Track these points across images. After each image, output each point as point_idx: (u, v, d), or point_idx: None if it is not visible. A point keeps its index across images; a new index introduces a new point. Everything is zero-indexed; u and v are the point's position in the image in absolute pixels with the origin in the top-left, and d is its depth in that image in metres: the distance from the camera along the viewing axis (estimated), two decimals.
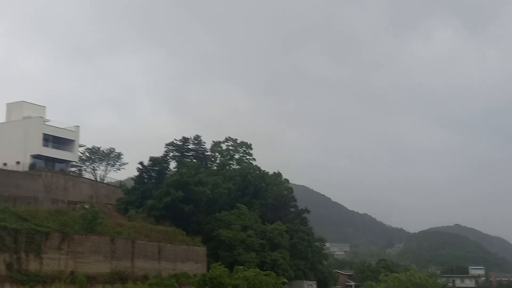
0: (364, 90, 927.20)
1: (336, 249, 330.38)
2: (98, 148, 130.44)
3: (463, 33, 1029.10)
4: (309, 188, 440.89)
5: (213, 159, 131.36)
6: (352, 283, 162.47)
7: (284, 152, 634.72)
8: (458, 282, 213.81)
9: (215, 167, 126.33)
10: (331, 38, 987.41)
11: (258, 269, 43.82)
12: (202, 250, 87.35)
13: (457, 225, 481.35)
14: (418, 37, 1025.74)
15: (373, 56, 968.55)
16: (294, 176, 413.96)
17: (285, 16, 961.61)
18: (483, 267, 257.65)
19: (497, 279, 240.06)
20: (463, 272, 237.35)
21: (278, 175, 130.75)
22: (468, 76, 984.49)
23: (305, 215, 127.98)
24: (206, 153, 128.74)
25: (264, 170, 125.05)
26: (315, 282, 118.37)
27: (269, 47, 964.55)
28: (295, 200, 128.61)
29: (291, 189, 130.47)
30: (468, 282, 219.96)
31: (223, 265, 41.46)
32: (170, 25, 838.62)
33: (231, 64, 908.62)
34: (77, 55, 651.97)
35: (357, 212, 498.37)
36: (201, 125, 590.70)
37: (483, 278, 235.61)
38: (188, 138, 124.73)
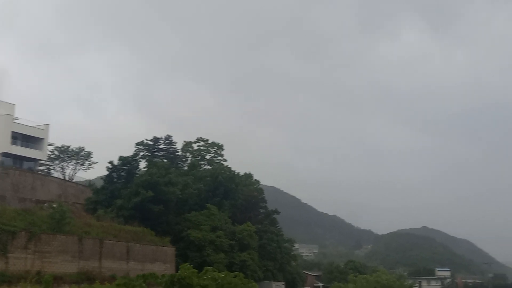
0: (333, 89, 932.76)
1: (305, 250, 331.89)
2: (68, 147, 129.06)
3: (430, 33, 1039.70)
4: (279, 189, 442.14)
5: (184, 159, 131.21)
6: (320, 284, 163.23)
7: (254, 152, 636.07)
8: (424, 284, 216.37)
9: (186, 168, 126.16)
10: (300, 37, 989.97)
11: (227, 270, 43.92)
12: (171, 250, 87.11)
13: (424, 227, 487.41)
14: (386, 37, 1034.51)
15: (342, 56, 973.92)
16: (265, 177, 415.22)
17: (253, 15, 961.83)
18: (449, 269, 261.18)
19: (463, 281, 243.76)
20: (429, 273, 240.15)
21: (248, 176, 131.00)
22: (436, 76, 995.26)
23: (275, 216, 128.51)
24: (177, 153, 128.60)
25: (235, 171, 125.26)
26: (283, 283, 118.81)
27: (237, 46, 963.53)
28: (265, 201, 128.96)
29: (262, 190, 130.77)
30: (434, 284, 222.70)
31: (192, 266, 41.40)
32: (137, 24, 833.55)
33: (199, 63, 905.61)
34: (43, 53, 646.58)
35: (327, 214, 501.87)
36: (169, 124, 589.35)
37: (449, 280, 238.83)
38: (159, 138, 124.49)
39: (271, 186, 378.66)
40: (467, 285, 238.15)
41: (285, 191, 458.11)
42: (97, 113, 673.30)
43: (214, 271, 39.42)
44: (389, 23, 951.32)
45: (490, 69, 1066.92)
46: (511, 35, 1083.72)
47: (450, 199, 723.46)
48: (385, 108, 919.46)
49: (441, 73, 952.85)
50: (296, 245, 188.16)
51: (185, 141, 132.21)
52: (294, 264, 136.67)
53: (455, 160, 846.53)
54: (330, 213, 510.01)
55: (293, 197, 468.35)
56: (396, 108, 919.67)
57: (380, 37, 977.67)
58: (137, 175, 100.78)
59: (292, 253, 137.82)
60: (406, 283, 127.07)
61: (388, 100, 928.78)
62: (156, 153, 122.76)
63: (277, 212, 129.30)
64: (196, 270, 38.92)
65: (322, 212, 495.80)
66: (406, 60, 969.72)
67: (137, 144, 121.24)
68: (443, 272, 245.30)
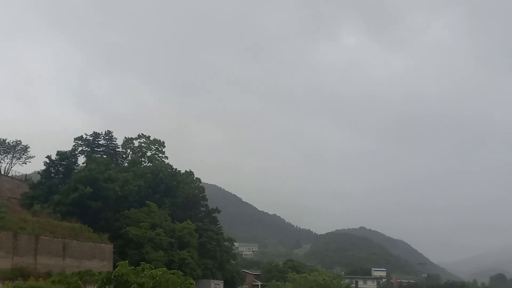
0: (275, 90, 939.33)
1: (245, 249, 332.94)
2: (4, 140, 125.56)
3: (369, 37, 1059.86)
4: (220, 187, 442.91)
5: (124, 156, 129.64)
6: (259, 283, 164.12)
7: (195, 150, 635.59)
8: (361, 283, 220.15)
9: (126, 164, 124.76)
10: (243, 38, 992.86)
11: (165, 268, 43.67)
12: (109, 247, 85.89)
13: (362, 228, 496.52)
14: (327, 40, 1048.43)
15: (283, 56, 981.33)
16: (206, 175, 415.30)
17: (196, 13, 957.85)
18: (385, 269, 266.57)
19: (398, 280, 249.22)
20: (366, 273, 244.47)
21: (190, 173, 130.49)
22: (375, 80, 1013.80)
23: (216, 214, 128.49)
24: (117, 149, 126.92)
25: (176, 169, 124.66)
26: (222, 281, 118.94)
27: (178, 43, 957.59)
28: (206, 200, 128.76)
29: (203, 188, 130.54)
30: (370, 284, 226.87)
31: (131, 264, 41.01)
32: (78, 17, 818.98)
33: (140, 59, 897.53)
34: None
35: (267, 213, 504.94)
36: (109, 120, 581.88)
37: (384, 280, 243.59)
38: (99, 133, 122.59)
39: (213, 185, 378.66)
40: (402, 285, 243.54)
41: (226, 189, 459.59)
42: (34, 107, 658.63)
43: (152, 269, 39.11)
44: (330, 26, 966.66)
45: (426, 75, 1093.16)
46: (447, 42, 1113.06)
47: (387, 201, 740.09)
48: (325, 110, 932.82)
49: (379, 77, 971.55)
50: (236, 244, 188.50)
51: (125, 137, 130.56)
52: (234, 262, 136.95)
53: (391, 163, 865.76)
54: (271, 213, 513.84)
55: (234, 196, 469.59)
56: (336, 111, 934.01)
57: (321, 40, 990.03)
58: (76, 171, 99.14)
59: (232, 251, 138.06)
60: (343, 282, 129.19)
61: (329, 103, 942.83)
62: (95, 149, 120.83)
63: (218, 211, 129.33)
64: (134, 268, 38.56)
65: (262, 211, 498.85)
66: (346, 63, 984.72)
67: (76, 139, 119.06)
68: (379, 272, 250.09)
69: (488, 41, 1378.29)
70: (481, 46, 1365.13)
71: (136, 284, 36.34)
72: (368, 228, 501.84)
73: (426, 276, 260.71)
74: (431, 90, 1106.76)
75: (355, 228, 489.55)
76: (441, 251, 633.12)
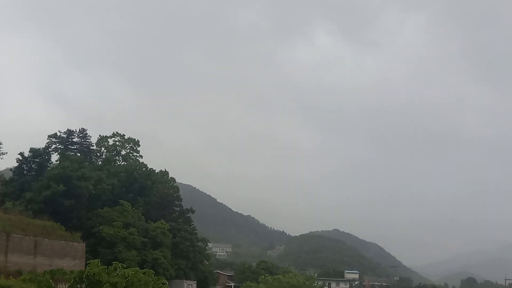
0: (247, 89, 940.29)
1: (219, 250, 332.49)
2: None
3: (341, 37, 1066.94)
4: (195, 188, 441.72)
5: (98, 154, 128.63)
6: (232, 284, 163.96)
7: (169, 148, 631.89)
8: (333, 286, 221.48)
9: (100, 162, 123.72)
10: (214, 35, 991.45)
11: (138, 268, 43.34)
12: (81, 246, 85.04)
13: (336, 230, 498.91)
14: (300, 40, 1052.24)
15: (255, 56, 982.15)
16: (181, 175, 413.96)
17: (168, 12, 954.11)
18: (357, 271, 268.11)
19: (371, 283, 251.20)
20: (339, 275, 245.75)
21: (164, 173, 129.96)
22: (345, 80, 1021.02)
23: (189, 214, 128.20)
24: (92, 148, 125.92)
25: (151, 168, 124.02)
26: (195, 282, 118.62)
27: (151, 42, 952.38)
28: (181, 199, 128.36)
29: (177, 188, 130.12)
30: (343, 286, 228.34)
31: (103, 263, 40.66)
32: (51, 11, 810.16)
33: (111, 56, 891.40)
34: None
35: (241, 214, 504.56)
36: (81, 116, 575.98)
37: (357, 282, 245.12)
38: (72, 131, 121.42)
39: (187, 185, 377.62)
40: (374, 287, 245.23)
41: (201, 189, 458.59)
42: (4, 101, 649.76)
43: (124, 268, 38.78)
44: (303, 26, 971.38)
45: (397, 76, 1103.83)
46: (418, 44, 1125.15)
47: (361, 203, 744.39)
48: (297, 109, 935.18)
49: (351, 78, 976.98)
50: (210, 244, 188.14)
51: (100, 135, 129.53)
52: (207, 263, 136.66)
53: (365, 166, 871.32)
54: (245, 213, 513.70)
55: (209, 196, 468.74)
56: (307, 110, 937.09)
57: (293, 39, 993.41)
58: (49, 168, 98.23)
59: (206, 252, 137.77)
60: (316, 284, 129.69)
61: (300, 102, 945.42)
62: (69, 147, 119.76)
63: (192, 211, 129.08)
64: (106, 267, 38.20)
65: (237, 212, 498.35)
66: (318, 63, 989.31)
67: (49, 136, 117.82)
68: (352, 274, 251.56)
69: (461, 45, 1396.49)
70: (450, 50, 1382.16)
71: (108, 284, 35.96)
72: (341, 230, 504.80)
73: (398, 278, 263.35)
74: (401, 91, 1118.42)
75: (329, 230, 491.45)
76: (413, 254, 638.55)
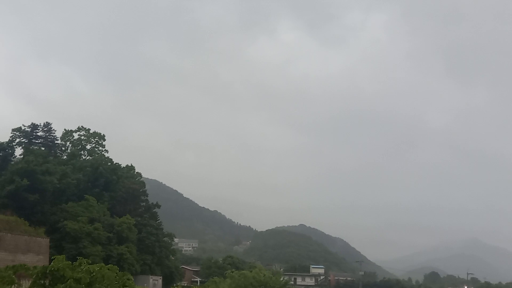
0: (213, 84, 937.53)
1: (185, 245, 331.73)
2: None
3: (306, 33, 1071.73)
4: (161, 182, 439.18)
5: (63, 148, 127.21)
6: (198, 279, 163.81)
7: (134, 143, 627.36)
8: (299, 280, 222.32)
9: (65, 157, 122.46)
10: (179, 29, 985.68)
11: (103, 263, 43.10)
12: (45, 241, 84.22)
13: (302, 225, 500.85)
14: (265, 35, 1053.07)
15: (221, 50, 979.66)
16: (147, 170, 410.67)
17: (133, 6, 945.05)
18: (323, 266, 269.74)
19: (336, 278, 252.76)
20: (304, 270, 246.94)
21: (130, 168, 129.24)
22: (311, 76, 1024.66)
23: (155, 209, 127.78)
24: (56, 142, 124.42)
25: (116, 163, 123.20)
26: (160, 277, 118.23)
27: (115, 34, 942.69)
28: (147, 194, 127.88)
29: (143, 183, 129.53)
30: (308, 280, 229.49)
31: (67, 258, 40.31)
32: (10, 2, 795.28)
33: (72, 47, 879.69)
34: None
35: (208, 209, 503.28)
36: (40, 108, 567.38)
37: (322, 277, 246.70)
38: (37, 125, 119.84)
39: (154, 180, 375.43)
40: (339, 282, 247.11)
41: (167, 184, 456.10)
42: None
43: (89, 263, 38.54)
44: (268, 21, 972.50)
45: (362, 72, 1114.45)
46: (383, 41, 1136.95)
47: (325, 198, 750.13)
48: (263, 106, 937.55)
49: (316, 74, 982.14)
50: (176, 240, 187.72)
51: (65, 130, 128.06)
52: (173, 258, 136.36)
53: (329, 161, 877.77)
54: (212, 208, 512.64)
55: (175, 191, 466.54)
56: (273, 107, 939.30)
57: (259, 34, 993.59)
58: (13, 162, 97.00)
59: (171, 247, 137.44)
60: (282, 279, 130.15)
61: (266, 98, 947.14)
62: (33, 141, 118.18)
63: (158, 206, 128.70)
64: (70, 262, 37.92)
65: (203, 207, 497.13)
66: (284, 58, 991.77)
67: (13, 130, 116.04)
68: (317, 269, 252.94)
69: (422, 42, 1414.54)
70: (415, 47, 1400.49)
71: (72, 279, 35.70)
72: (307, 225, 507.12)
73: (362, 273, 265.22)
74: (367, 88, 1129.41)
75: (295, 225, 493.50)
76: (378, 249, 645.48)
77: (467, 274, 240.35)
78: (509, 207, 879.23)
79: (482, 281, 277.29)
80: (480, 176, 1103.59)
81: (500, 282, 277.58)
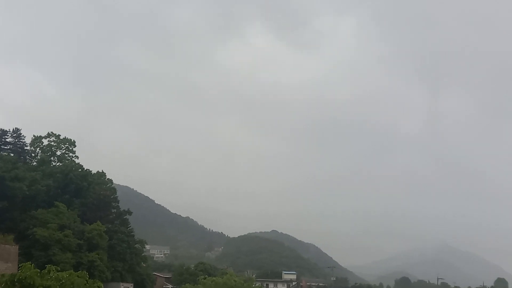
0: (186, 89, 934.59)
1: (156, 252, 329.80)
2: None
3: (278, 38, 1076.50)
4: (133, 189, 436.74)
5: (33, 155, 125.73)
6: (170, 286, 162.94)
7: (105, 148, 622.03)
8: (271, 286, 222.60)
9: (35, 163, 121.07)
10: (150, 33, 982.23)
11: (73, 271, 42.75)
12: (14, 249, 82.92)
13: (274, 231, 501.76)
14: (236, 40, 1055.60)
15: (193, 55, 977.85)
16: (119, 177, 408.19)
17: (102, 8, 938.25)
18: (295, 272, 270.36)
19: (308, 283, 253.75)
20: (277, 276, 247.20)
21: (101, 174, 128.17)
22: (282, 80, 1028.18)
23: (127, 216, 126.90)
24: (26, 148, 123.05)
25: (87, 169, 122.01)
26: (131, 284, 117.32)
27: (84, 37, 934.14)
28: (118, 201, 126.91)
29: (114, 189, 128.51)
30: (280, 286, 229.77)
31: (37, 266, 39.91)
32: None
33: (40, 50, 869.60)
34: None
35: (180, 215, 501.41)
36: (8, 113, 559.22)
37: (294, 283, 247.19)
38: (6, 131, 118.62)
39: (125, 186, 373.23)
40: (311, 287, 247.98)
41: (139, 191, 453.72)
42: None
43: (58, 271, 38.20)
44: (239, 25, 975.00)
45: (334, 78, 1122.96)
46: (354, 46, 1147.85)
47: (298, 204, 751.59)
48: (235, 111, 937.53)
49: (289, 79, 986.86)
50: (148, 246, 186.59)
51: (34, 135, 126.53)
52: (144, 265, 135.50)
53: (302, 167, 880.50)
54: (184, 215, 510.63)
55: (147, 197, 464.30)
56: (246, 112, 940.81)
57: (230, 39, 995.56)
58: None
59: (143, 254, 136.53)
60: (254, 285, 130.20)
61: (239, 103, 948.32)
62: (2, 146, 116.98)
63: (129, 213, 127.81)
64: (38, 270, 37.53)
65: (175, 213, 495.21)
66: (256, 63, 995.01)
67: None
68: (289, 275, 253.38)
69: (394, 47, 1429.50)
70: (386, 52, 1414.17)
71: (41, 287, 35.39)
72: (280, 231, 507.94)
73: (334, 279, 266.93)
74: (339, 94, 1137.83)
75: (267, 232, 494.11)
76: (350, 255, 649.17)
77: (438, 279, 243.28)
78: (479, 213, 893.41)
79: (452, 285, 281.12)
80: (451, 182, 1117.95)
81: (469, 287, 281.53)
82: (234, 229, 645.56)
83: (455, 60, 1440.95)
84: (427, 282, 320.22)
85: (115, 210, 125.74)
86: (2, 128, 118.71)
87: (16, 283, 36.49)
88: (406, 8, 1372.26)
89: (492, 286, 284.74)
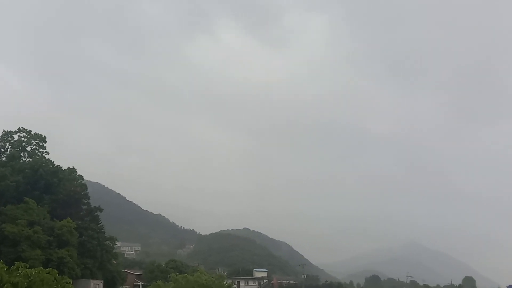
0: (157, 86, 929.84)
1: (127, 249, 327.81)
2: None
3: (247, 35, 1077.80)
4: (104, 185, 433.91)
5: (2, 150, 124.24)
6: (140, 283, 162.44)
7: (75, 146, 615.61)
8: (242, 284, 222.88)
9: (4, 159, 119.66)
10: (119, 30, 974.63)
11: (42, 267, 42.48)
12: None
13: (246, 229, 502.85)
14: (206, 36, 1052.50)
15: (163, 53, 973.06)
16: (90, 173, 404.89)
17: (71, 2, 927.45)
18: (266, 270, 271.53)
19: (279, 281, 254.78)
20: (248, 274, 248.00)
21: (72, 170, 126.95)
22: (252, 77, 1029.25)
23: (98, 213, 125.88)
24: None
25: (58, 165, 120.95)
26: (102, 281, 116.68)
27: (53, 32, 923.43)
28: (88, 197, 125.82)
29: (85, 185, 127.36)
30: (251, 284, 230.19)
31: (5, 262, 39.60)
32: None
33: (5, 44, 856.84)
34: None
35: (151, 212, 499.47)
36: None
37: (265, 280, 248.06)
38: None
39: (96, 182, 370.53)
40: (282, 285, 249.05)
41: (110, 188, 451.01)
42: None
43: (27, 268, 37.95)
44: (209, 23, 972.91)
45: (303, 76, 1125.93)
46: (321, 44, 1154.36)
47: (270, 203, 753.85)
48: (206, 109, 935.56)
49: (259, 77, 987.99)
50: (118, 243, 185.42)
51: (4, 131, 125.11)
52: (115, 262, 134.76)
53: (273, 166, 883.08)
54: (155, 212, 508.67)
55: (118, 194, 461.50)
56: (217, 110, 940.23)
57: (199, 36, 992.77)
58: None
59: (113, 251, 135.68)
60: (225, 283, 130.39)
61: (209, 101, 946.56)
62: None
63: (100, 209, 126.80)
64: (7, 266, 37.25)
65: (147, 210, 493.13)
66: (225, 61, 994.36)
67: None
68: (260, 273, 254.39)
69: (365, 45, 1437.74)
70: (357, 50, 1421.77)
71: (9, 284, 35.14)
72: (251, 229, 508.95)
73: (305, 276, 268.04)
74: (308, 93, 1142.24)
75: (239, 229, 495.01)
76: (321, 253, 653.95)
77: (407, 277, 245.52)
78: (448, 212, 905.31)
79: (421, 283, 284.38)
80: (421, 181, 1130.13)
81: (438, 285, 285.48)
82: (206, 226, 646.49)
83: (425, 58, 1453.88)
84: (397, 280, 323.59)
85: (85, 206, 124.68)
86: None
87: None
88: (377, 6, 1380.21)
89: (460, 284, 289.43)
